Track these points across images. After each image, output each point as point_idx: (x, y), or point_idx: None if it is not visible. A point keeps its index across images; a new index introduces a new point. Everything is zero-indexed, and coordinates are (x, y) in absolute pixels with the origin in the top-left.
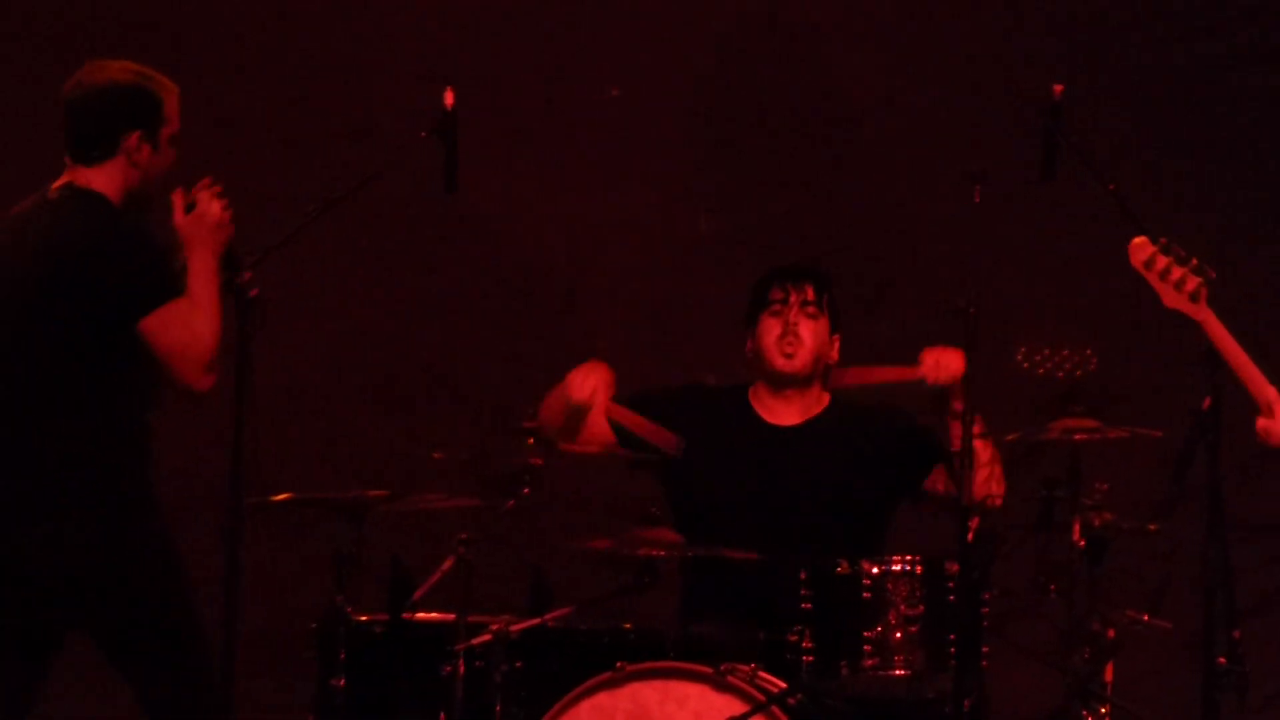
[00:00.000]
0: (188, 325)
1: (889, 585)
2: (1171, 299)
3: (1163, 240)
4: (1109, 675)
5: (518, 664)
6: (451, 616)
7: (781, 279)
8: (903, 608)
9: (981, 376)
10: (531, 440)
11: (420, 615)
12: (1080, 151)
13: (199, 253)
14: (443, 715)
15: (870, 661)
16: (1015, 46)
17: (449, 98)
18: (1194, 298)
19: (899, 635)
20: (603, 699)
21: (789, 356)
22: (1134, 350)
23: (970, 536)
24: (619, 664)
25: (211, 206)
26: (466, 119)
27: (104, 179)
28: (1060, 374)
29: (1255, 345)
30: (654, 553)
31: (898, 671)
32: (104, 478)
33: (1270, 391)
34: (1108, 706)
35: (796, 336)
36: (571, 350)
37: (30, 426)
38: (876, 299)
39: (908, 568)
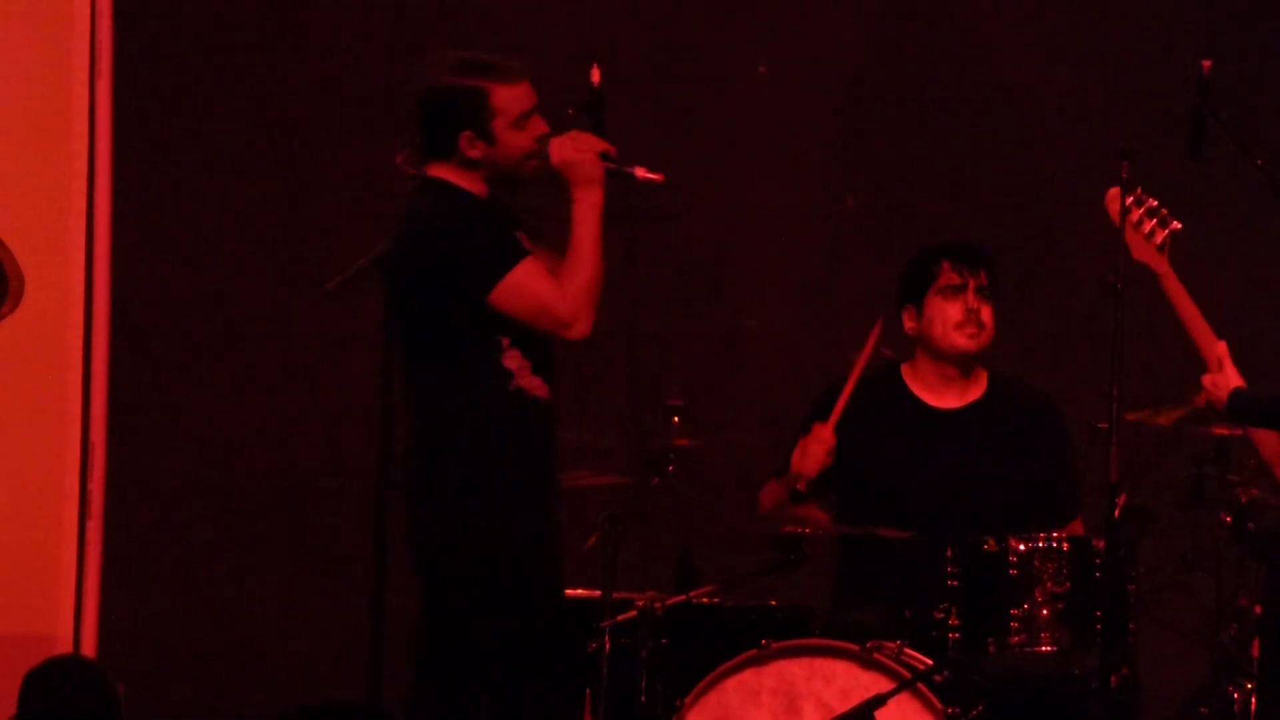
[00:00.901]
0: (533, 287)
1: (1035, 562)
2: (1140, 251)
3: (1138, 191)
4: (1256, 651)
5: (663, 641)
6: (597, 593)
7: (956, 260)
8: (1049, 585)
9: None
10: (677, 419)
11: (567, 592)
12: (1230, 128)
13: (579, 192)
14: (589, 691)
15: (1017, 639)
16: (1166, 23)
17: (595, 74)
18: (1160, 249)
19: (1045, 612)
20: (748, 676)
21: (973, 337)
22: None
23: (1117, 513)
24: (765, 641)
25: (582, 142)
26: (614, 96)
27: (450, 171)
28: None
29: None
30: (800, 530)
31: (1044, 648)
32: (460, 463)
33: (1220, 346)
34: (1254, 682)
35: (980, 323)
36: (719, 331)
37: (415, 412)
38: (1025, 281)
39: (1054, 545)
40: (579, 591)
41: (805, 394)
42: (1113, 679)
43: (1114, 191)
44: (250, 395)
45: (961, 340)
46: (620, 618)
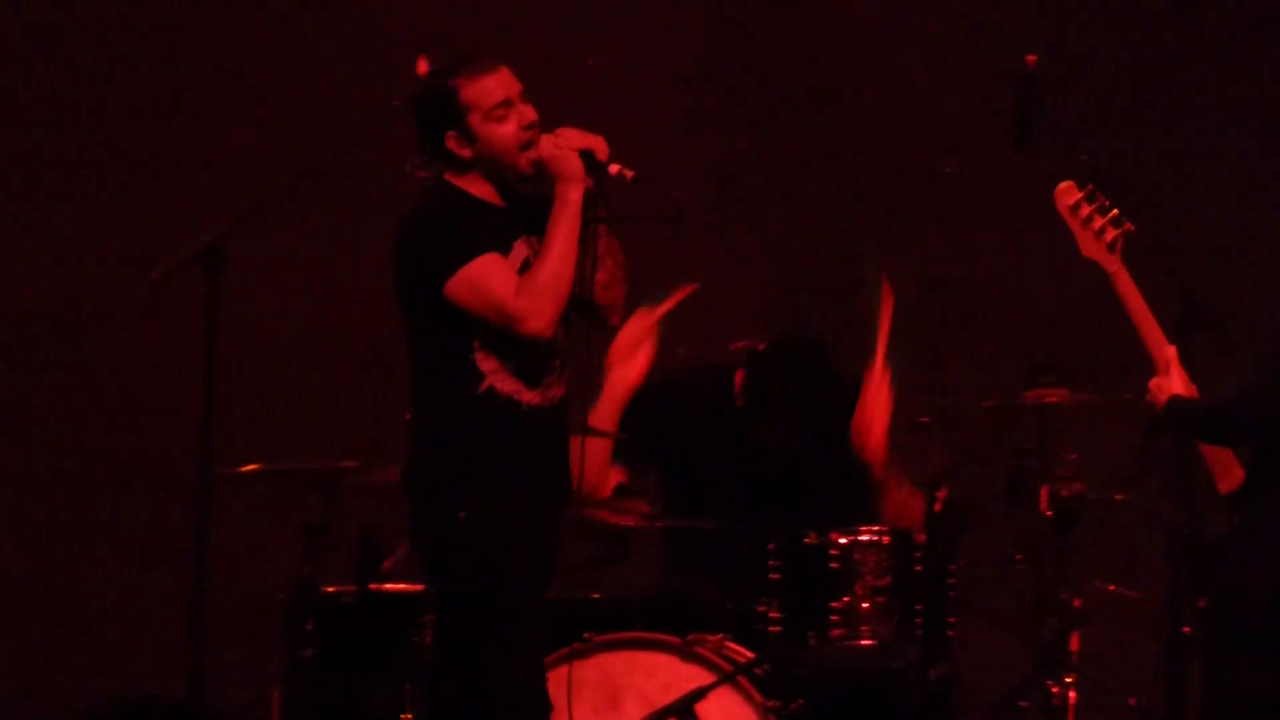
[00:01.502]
0: (487, 282)
1: (857, 556)
2: (1089, 248)
3: (1090, 187)
4: (1075, 645)
5: None
6: (420, 587)
7: None
8: (870, 578)
9: (959, 346)
10: None
11: (389, 586)
12: (1056, 122)
13: (558, 188)
14: (409, 686)
15: (837, 632)
16: (996, 17)
17: (422, 66)
18: (1110, 248)
19: (866, 605)
20: (570, 669)
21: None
22: (1106, 319)
23: (937, 507)
24: (586, 634)
25: (564, 138)
26: None
27: (454, 174)
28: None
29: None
30: (623, 522)
31: (865, 641)
32: (439, 456)
33: (1169, 351)
34: (1074, 676)
35: None
36: None
37: (412, 406)
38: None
39: (875, 538)
40: (402, 586)
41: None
42: (933, 672)
43: (1064, 185)
44: (77, 385)
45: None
46: None
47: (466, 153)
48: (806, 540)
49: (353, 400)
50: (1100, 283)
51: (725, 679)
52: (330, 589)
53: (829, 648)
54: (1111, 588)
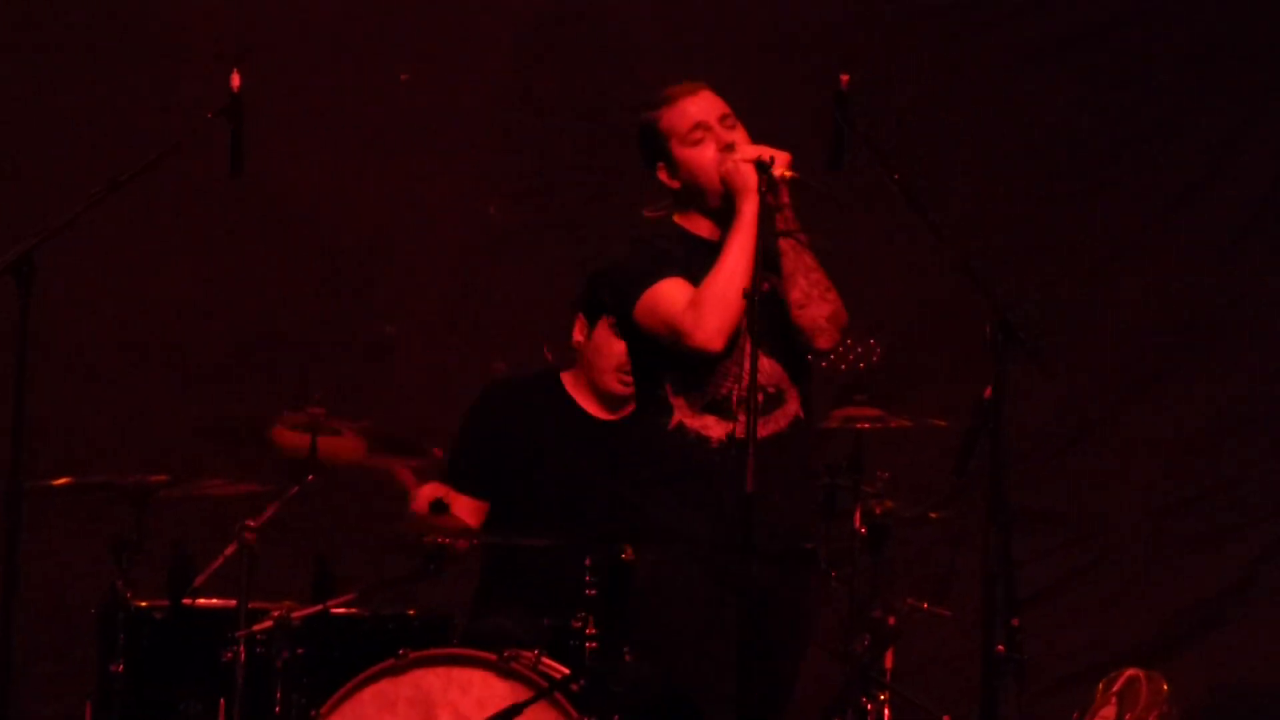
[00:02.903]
0: (665, 302)
1: None
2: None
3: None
4: (889, 662)
5: (299, 650)
6: (233, 603)
7: None
8: None
9: None
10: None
11: (202, 601)
12: (867, 141)
13: (736, 203)
14: (223, 702)
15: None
16: (809, 36)
17: (235, 80)
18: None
19: None
20: (385, 686)
21: (628, 385)
22: (921, 341)
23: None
24: (402, 651)
25: (740, 151)
26: (257, 101)
27: (678, 210)
28: (844, 365)
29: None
30: (439, 539)
31: None
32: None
33: None
34: (887, 694)
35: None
36: (366, 333)
37: None
38: None
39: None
40: (215, 601)
41: (450, 400)
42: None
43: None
44: None
45: (617, 386)
46: (256, 627)
47: (676, 184)
48: (624, 556)
49: (164, 414)
50: (913, 299)
51: (541, 695)
52: (142, 604)
53: (645, 663)
54: (925, 606)
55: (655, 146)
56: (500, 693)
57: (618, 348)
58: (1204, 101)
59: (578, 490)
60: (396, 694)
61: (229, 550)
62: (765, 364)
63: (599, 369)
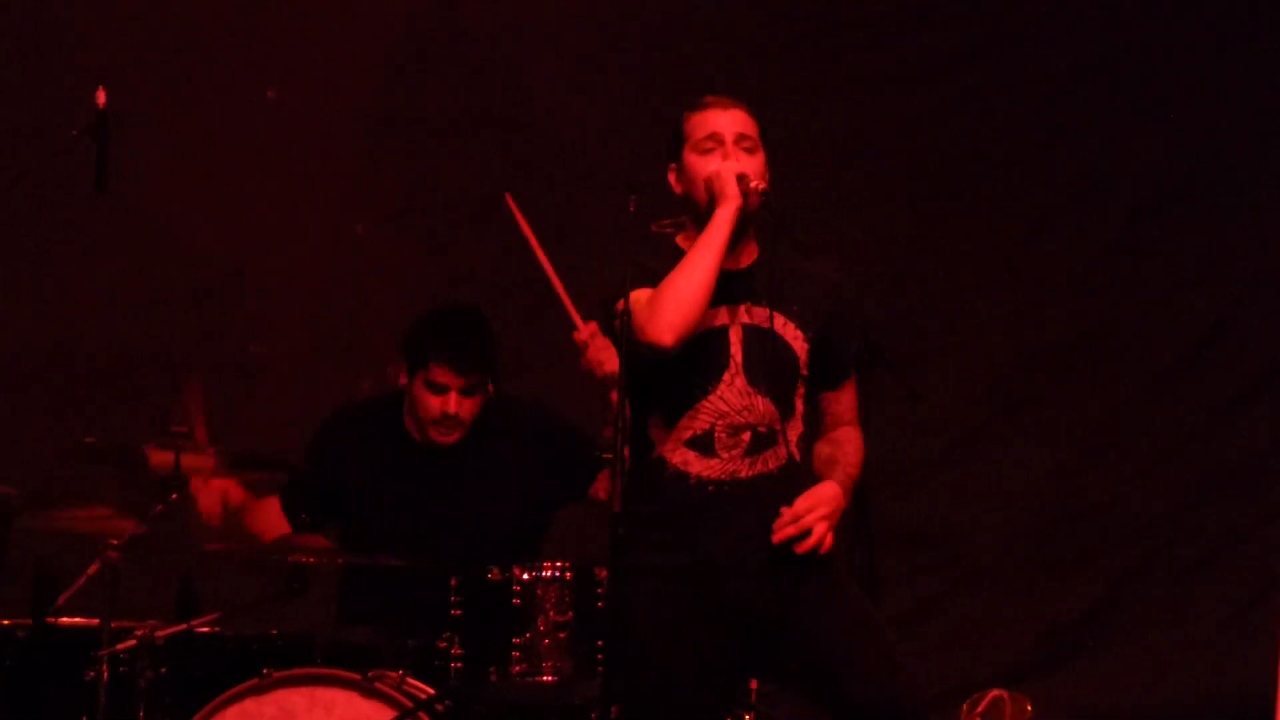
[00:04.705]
0: (635, 306)
1: (539, 591)
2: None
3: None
4: (755, 683)
5: (163, 670)
6: (96, 621)
7: (445, 363)
8: (552, 614)
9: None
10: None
11: (64, 620)
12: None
13: (716, 206)
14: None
15: (519, 668)
16: (680, 53)
17: (101, 96)
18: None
19: (548, 641)
20: (249, 705)
21: (445, 434)
22: None
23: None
24: (265, 670)
25: (731, 165)
26: (127, 117)
27: (680, 215)
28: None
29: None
30: (303, 559)
31: (546, 678)
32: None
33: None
34: (752, 714)
35: (458, 423)
36: (231, 352)
37: None
38: (536, 308)
39: (558, 574)
40: (78, 620)
41: (315, 420)
42: (613, 709)
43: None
44: None
45: (436, 434)
46: (119, 646)
47: (679, 189)
48: (489, 576)
49: (30, 433)
50: None
51: (406, 715)
52: (5, 622)
53: (510, 684)
54: None
55: (674, 146)
56: (365, 712)
57: (430, 403)
58: (1069, 127)
59: (414, 514)
60: (260, 713)
61: (92, 569)
62: (759, 403)
63: (418, 416)
